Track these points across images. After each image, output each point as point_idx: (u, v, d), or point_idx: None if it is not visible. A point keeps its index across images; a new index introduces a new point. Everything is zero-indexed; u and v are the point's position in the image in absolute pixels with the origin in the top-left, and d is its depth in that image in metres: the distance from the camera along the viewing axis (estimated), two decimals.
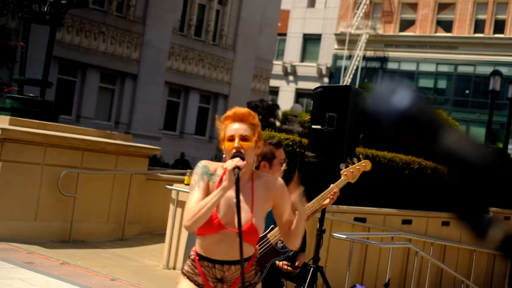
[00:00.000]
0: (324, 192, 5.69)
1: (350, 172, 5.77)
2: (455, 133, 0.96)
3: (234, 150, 3.70)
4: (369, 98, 1.01)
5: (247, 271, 3.85)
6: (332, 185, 5.72)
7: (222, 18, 32.03)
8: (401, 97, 0.96)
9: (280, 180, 3.99)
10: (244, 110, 3.85)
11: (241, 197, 3.74)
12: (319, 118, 7.34)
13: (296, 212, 3.81)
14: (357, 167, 5.82)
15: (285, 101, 42.56)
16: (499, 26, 40.01)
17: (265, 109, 30.41)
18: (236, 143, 3.71)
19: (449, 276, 12.27)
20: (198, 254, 3.89)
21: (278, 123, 31.38)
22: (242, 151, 3.70)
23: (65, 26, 24.28)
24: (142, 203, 12.39)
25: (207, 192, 3.77)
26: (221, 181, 3.78)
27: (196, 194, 3.74)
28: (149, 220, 12.65)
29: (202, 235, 3.84)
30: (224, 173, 3.72)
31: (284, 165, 5.05)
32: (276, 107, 32.74)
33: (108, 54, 26.93)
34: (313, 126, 7.49)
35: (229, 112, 3.84)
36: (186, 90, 30.78)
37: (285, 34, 46.43)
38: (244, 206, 3.76)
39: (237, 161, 3.61)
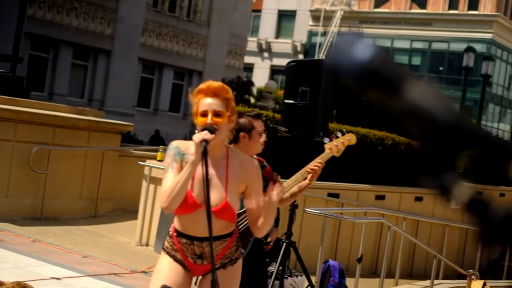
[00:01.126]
0: (305, 167, 5.44)
1: (334, 146, 5.60)
2: (420, 85, 0.91)
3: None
4: (330, 52, 0.96)
5: (229, 246, 3.84)
6: (316, 159, 5.53)
7: None
8: (362, 49, 0.92)
9: (256, 163, 3.95)
10: (217, 84, 3.79)
11: (215, 174, 3.74)
12: (292, 93, 7.29)
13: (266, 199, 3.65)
14: (342, 141, 5.66)
15: (260, 78, 42.39)
16: (474, 3, 40.13)
17: (240, 86, 30.29)
18: (209, 119, 3.66)
19: (422, 251, 12.35)
20: (176, 231, 3.87)
21: (253, 100, 31.29)
22: (216, 127, 3.64)
23: (36, 2, 23.92)
24: (115, 180, 12.30)
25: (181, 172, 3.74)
26: None
27: (170, 175, 3.70)
28: (122, 197, 12.57)
29: (179, 215, 3.81)
30: None
31: (263, 136, 4.98)
32: (251, 83, 32.62)
33: (81, 30, 26.59)
34: (285, 101, 7.44)
35: (203, 85, 3.77)
36: (160, 66, 30.55)
37: (260, 10, 46.19)
38: (218, 183, 3.74)
39: (204, 134, 3.56)
